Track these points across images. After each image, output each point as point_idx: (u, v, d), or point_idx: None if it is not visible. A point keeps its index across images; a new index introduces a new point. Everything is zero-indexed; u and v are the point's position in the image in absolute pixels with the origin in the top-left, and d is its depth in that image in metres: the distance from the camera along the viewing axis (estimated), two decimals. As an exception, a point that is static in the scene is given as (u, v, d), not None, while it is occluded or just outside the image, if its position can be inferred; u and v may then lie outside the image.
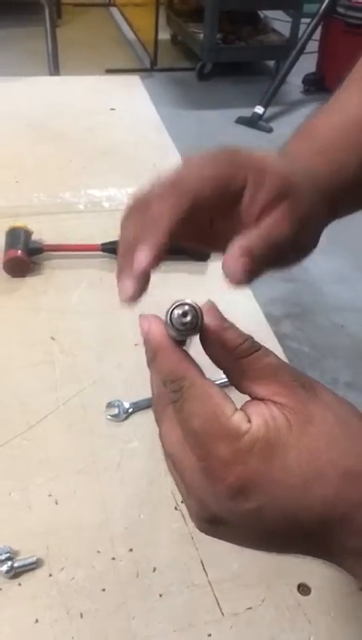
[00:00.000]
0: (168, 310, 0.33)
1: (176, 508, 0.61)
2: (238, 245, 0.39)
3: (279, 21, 4.23)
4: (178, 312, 0.33)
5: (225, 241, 0.40)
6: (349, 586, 0.56)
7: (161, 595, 0.55)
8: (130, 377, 0.75)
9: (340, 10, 3.58)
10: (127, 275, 0.39)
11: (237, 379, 0.35)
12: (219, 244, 0.42)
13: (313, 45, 3.65)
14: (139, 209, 0.40)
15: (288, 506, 0.31)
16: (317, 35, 3.64)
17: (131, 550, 0.58)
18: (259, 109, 3.49)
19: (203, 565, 0.57)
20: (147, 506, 0.61)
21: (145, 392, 0.72)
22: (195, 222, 0.41)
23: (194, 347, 0.36)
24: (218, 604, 0.55)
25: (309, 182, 0.44)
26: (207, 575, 0.56)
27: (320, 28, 3.65)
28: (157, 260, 0.38)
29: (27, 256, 0.89)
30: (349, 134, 0.48)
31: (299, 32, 3.70)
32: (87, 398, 0.72)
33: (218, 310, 0.35)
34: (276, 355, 0.34)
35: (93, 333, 0.80)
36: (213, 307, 0.35)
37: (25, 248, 0.89)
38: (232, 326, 0.35)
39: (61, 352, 0.78)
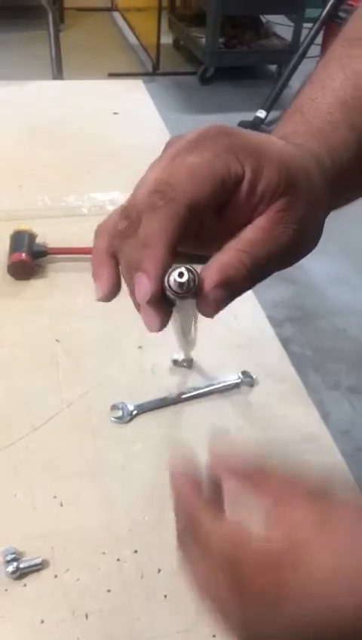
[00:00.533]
0: (167, 274, 0.34)
1: (180, 510, 0.62)
2: (216, 269, 0.35)
3: (281, 26, 4.24)
4: (175, 274, 0.34)
5: (218, 241, 0.37)
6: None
7: (165, 596, 0.55)
8: (134, 380, 0.75)
9: (342, 14, 3.59)
10: (100, 283, 0.37)
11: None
12: (211, 245, 0.37)
13: (315, 49, 3.65)
14: (125, 221, 0.36)
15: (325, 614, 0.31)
16: (319, 39, 3.65)
17: (136, 552, 0.58)
18: (262, 113, 3.50)
19: (207, 567, 0.57)
20: (151, 508, 0.62)
21: (149, 395, 0.72)
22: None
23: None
24: (222, 605, 0.55)
25: (313, 166, 0.39)
26: (211, 576, 0.57)
27: (322, 32, 3.66)
28: (160, 285, 0.34)
29: (31, 259, 0.89)
30: (341, 116, 0.43)
31: (301, 37, 3.71)
32: (91, 400, 0.72)
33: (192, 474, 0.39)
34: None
35: (98, 335, 0.80)
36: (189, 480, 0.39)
37: (29, 251, 0.90)
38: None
39: (65, 354, 0.78)
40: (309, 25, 3.61)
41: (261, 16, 4.22)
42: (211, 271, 0.35)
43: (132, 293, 0.35)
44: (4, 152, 1.21)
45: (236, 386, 0.75)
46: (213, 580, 0.35)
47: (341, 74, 0.45)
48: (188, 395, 0.73)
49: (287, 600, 0.32)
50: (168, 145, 0.37)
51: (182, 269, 0.33)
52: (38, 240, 0.93)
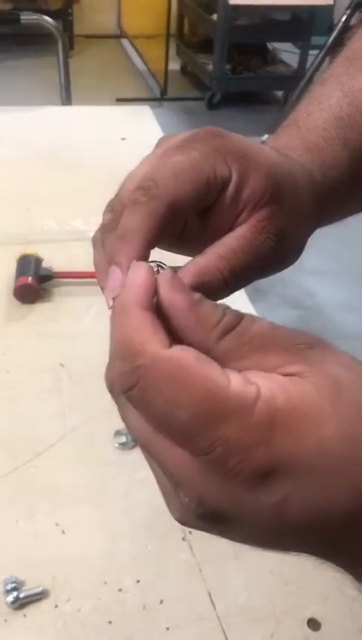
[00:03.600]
0: None
1: (183, 539, 0.61)
2: (192, 272, 0.33)
3: (287, 53, 4.30)
4: None
5: (200, 243, 0.35)
6: (360, 621, 0.55)
7: (167, 629, 0.54)
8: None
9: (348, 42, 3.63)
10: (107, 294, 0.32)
11: (222, 365, 0.26)
12: (193, 246, 0.36)
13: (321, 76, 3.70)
14: (110, 214, 0.35)
15: (320, 495, 0.24)
16: (325, 66, 3.70)
17: (138, 581, 0.57)
18: (268, 138, 3.53)
19: (211, 598, 0.56)
20: (154, 537, 0.61)
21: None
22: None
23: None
24: (226, 638, 0.54)
25: (302, 179, 0.39)
26: (215, 608, 0.56)
27: (328, 59, 3.71)
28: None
29: (37, 283, 0.89)
30: (336, 132, 0.43)
31: (307, 64, 3.76)
32: (94, 425, 0.72)
33: (181, 280, 0.28)
34: (262, 318, 0.28)
35: (102, 360, 0.79)
36: (173, 277, 0.28)
37: (35, 275, 0.90)
38: (203, 298, 0.28)
39: (70, 378, 0.78)
40: (315, 52, 3.66)
41: (267, 44, 4.28)
42: (187, 272, 0.33)
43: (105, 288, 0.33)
44: (13, 175, 1.22)
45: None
46: (162, 446, 0.26)
47: (338, 91, 0.45)
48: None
49: (279, 475, 0.24)
50: (159, 142, 0.37)
51: (154, 265, 0.31)
52: (44, 264, 0.93)
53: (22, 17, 1.41)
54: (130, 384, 0.25)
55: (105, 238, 0.35)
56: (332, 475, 0.24)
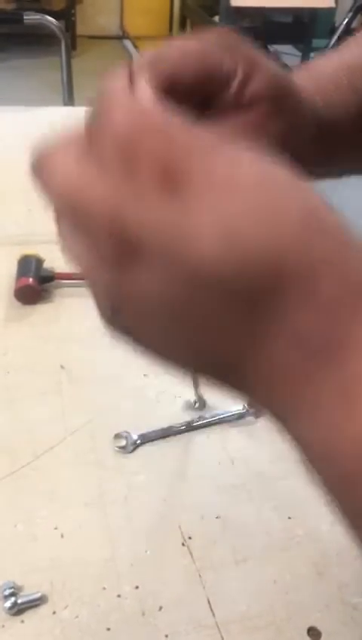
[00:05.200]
0: None
1: (183, 544, 0.60)
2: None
3: (288, 55, 4.30)
4: None
5: None
6: (361, 630, 0.54)
7: (166, 636, 0.53)
8: (138, 408, 0.74)
9: (350, 45, 3.64)
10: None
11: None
12: None
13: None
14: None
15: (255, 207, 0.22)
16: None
17: (137, 587, 0.57)
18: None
19: (210, 605, 0.56)
20: (154, 542, 0.60)
21: (154, 424, 0.71)
22: None
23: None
24: (225, 646, 0.53)
25: (306, 100, 0.39)
26: (214, 615, 0.55)
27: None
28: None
29: (38, 284, 0.89)
30: (346, 78, 0.42)
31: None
32: (94, 428, 0.71)
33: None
34: None
35: (103, 362, 0.80)
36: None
37: (36, 276, 0.89)
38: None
39: (70, 381, 0.77)
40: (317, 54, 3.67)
41: (268, 46, 4.28)
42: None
43: None
44: (14, 176, 1.21)
45: (241, 416, 0.73)
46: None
47: (353, 45, 0.46)
48: (193, 424, 0.72)
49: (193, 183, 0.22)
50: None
51: None
52: (45, 265, 0.93)
53: (25, 17, 1.41)
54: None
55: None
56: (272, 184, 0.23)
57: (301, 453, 0.24)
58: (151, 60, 0.33)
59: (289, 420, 0.24)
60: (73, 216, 0.25)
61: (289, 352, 0.22)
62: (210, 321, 0.23)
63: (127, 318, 0.26)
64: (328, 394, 0.22)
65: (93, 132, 0.25)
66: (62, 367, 0.79)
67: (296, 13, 4.02)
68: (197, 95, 0.34)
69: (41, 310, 0.88)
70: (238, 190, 0.22)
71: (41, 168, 0.27)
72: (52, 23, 1.42)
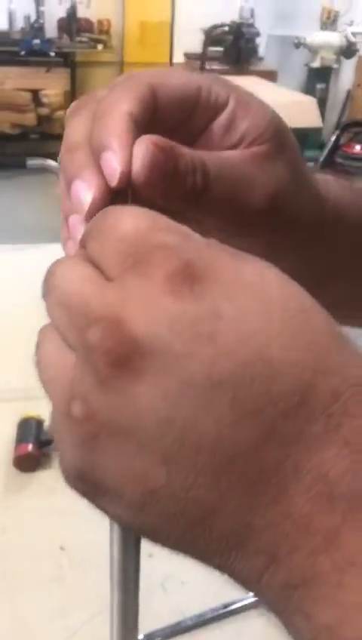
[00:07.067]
0: None
1: None
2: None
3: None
4: None
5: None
6: None
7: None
8: (142, 599, 0.69)
9: (338, 160, 3.82)
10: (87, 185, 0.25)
11: None
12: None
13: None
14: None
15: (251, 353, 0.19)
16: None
17: None
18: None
19: None
20: None
21: (161, 619, 0.66)
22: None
23: None
24: None
25: (308, 175, 0.31)
26: None
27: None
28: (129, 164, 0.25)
29: (38, 450, 0.86)
30: (350, 194, 0.35)
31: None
32: (97, 627, 0.66)
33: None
34: None
35: (106, 540, 0.75)
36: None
37: (36, 441, 0.87)
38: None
39: (71, 565, 0.73)
40: (308, 164, 3.83)
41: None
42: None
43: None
44: (15, 323, 1.21)
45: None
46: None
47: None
48: (207, 617, 0.67)
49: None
50: None
51: None
52: (46, 425, 0.90)
53: (28, 162, 1.47)
54: None
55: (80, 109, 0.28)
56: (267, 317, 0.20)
57: None
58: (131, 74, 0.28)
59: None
60: (68, 319, 0.22)
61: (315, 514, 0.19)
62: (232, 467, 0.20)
63: (104, 470, 0.21)
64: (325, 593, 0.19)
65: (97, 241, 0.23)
66: (62, 548, 0.75)
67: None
68: (183, 123, 0.28)
69: (40, 478, 0.85)
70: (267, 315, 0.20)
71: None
72: (54, 167, 1.47)
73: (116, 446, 0.20)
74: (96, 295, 0.21)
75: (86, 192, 0.25)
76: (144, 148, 0.24)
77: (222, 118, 0.28)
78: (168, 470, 0.20)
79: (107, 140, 0.25)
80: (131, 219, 0.22)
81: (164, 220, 0.22)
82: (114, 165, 0.24)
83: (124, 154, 0.24)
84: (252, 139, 0.28)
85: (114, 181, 0.24)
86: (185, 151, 0.26)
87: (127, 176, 0.24)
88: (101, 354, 0.20)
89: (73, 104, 0.28)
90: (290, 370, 0.19)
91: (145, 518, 0.21)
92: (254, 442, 0.19)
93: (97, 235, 0.23)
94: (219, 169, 0.27)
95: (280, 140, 0.29)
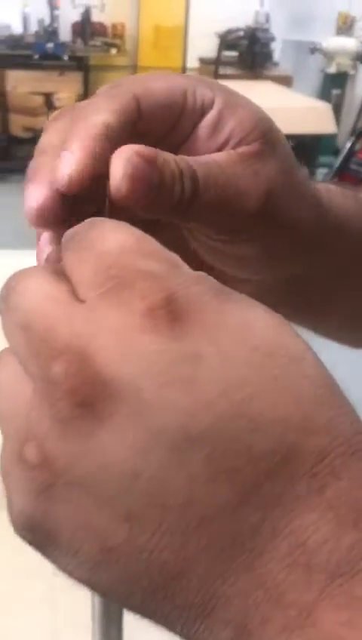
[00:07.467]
0: None
1: None
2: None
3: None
4: None
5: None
6: None
7: None
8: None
9: (353, 167, 3.78)
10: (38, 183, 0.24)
11: None
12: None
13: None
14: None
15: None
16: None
17: None
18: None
19: None
20: None
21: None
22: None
23: None
24: None
25: (303, 175, 0.30)
26: None
27: (336, 180, 3.84)
28: (88, 170, 0.23)
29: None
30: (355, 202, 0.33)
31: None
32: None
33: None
34: None
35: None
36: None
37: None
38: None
39: (63, 588, 0.69)
40: (322, 170, 3.80)
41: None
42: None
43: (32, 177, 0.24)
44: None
45: None
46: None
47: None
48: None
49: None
50: None
51: None
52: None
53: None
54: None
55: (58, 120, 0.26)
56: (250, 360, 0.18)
57: None
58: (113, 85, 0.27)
59: None
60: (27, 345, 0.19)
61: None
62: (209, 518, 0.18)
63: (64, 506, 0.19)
64: None
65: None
66: (54, 574, 0.70)
67: (298, 138, 4.21)
68: (166, 128, 0.27)
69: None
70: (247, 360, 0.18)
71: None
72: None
73: (73, 498, 0.18)
74: (63, 320, 0.18)
75: (34, 196, 0.23)
76: (125, 158, 0.23)
77: (208, 119, 0.27)
78: (130, 528, 0.18)
79: (69, 143, 0.23)
80: (117, 235, 0.20)
81: (152, 243, 0.20)
82: (63, 167, 0.23)
83: (81, 156, 0.23)
84: (239, 139, 0.27)
85: (61, 183, 0.23)
86: (171, 157, 0.24)
87: (77, 181, 0.23)
88: (63, 392, 0.17)
89: (54, 113, 0.27)
90: (274, 428, 0.17)
91: (100, 577, 0.19)
92: (229, 503, 0.17)
93: (76, 247, 0.20)
94: (206, 173, 0.25)
95: (270, 139, 0.27)
